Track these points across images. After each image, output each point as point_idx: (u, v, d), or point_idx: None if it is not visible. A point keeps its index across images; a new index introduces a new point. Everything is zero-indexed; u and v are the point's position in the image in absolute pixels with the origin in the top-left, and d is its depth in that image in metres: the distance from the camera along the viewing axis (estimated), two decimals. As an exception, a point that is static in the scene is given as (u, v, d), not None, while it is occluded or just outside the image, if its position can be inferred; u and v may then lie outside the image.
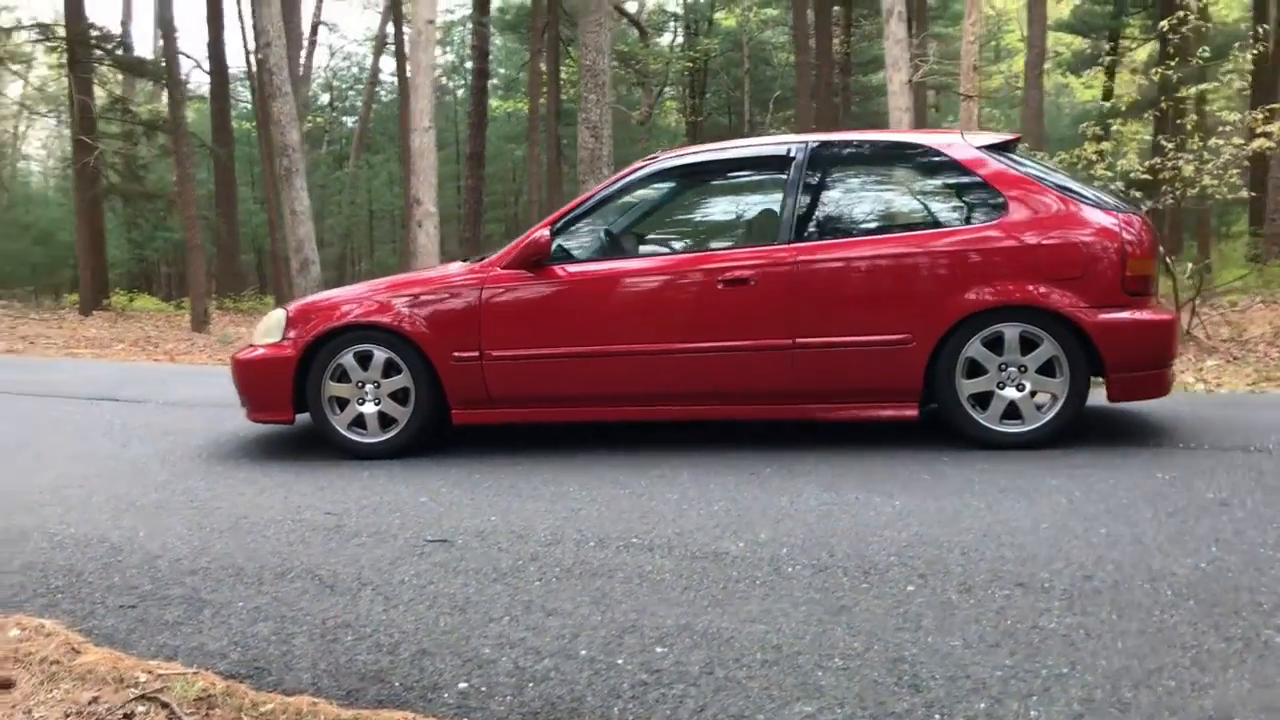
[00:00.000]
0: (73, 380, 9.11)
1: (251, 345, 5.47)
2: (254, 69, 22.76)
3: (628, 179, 5.26)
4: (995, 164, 4.87)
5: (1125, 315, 4.65)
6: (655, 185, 5.37)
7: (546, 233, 5.06)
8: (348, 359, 5.21)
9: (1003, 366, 4.75)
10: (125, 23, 35.13)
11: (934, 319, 4.73)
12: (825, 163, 5.07)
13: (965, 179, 4.93)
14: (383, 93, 37.34)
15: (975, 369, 4.77)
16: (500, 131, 34.26)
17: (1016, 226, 4.74)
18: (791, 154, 5.07)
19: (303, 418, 5.43)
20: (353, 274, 33.45)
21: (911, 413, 4.86)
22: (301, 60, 37.22)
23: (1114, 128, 10.29)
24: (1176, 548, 3.35)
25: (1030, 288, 4.67)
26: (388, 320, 5.16)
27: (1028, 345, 4.72)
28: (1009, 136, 5.30)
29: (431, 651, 2.89)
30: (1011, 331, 4.72)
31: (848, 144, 5.21)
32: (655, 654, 2.79)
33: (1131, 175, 10.34)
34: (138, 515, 4.38)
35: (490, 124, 34.29)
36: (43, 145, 45.52)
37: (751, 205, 5.22)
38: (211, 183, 27.26)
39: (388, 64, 38.21)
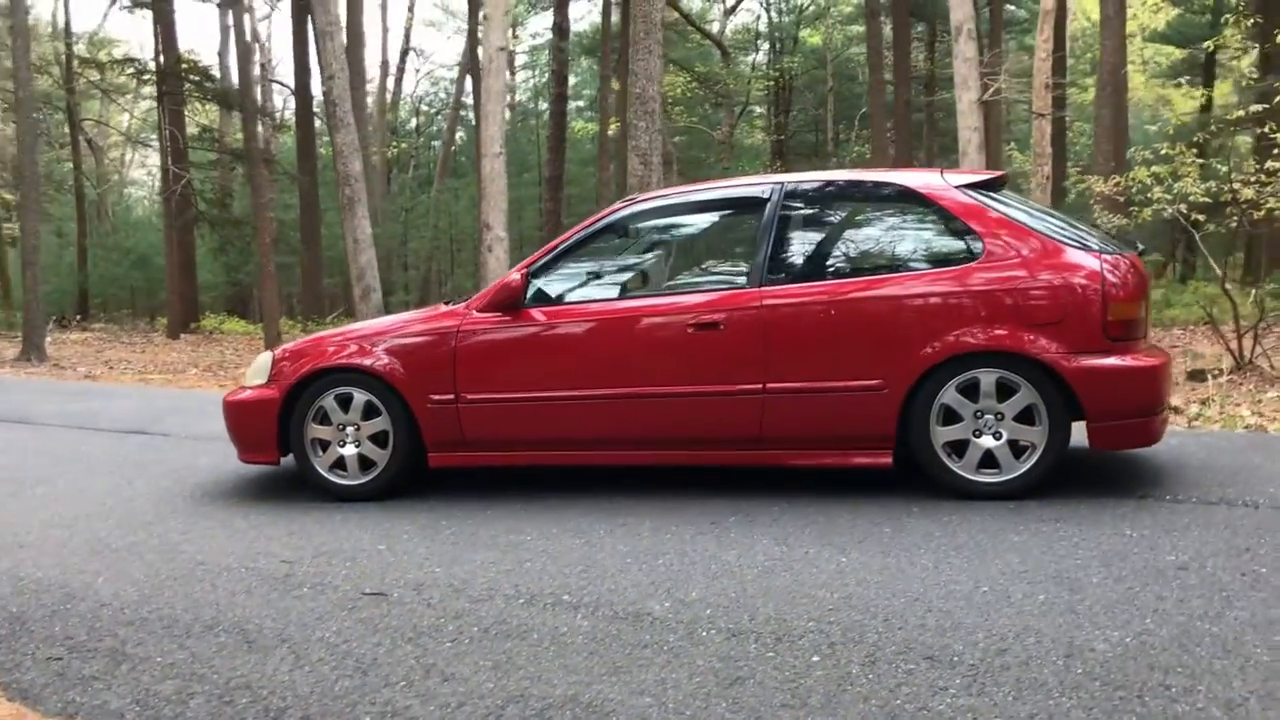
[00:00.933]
0: (118, 411, 9.34)
1: (242, 387, 5.54)
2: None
3: (604, 221, 5.21)
4: (974, 204, 4.70)
5: (1106, 361, 4.45)
6: (632, 227, 5.31)
7: (518, 276, 5.04)
8: (329, 401, 5.25)
9: (979, 414, 4.57)
10: (222, 54, 36.24)
11: (906, 365, 4.59)
12: (799, 204, 4.96)
13: (942, 220, 4.78)
14: (470, 117, 37.91)
15: (951, 416, 4.61)
16: (583, 154, 34.47)
17: (993, 269, 4.57)
18: (765, 195, 4.97)
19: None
20: (437, 296, 33.94)
21: (885, 461, 4.71)
22: (390, 86, 38.06)
23: (1163, 150, 9.91)
24: (1109, 618, 3.18)
25: (1006, 332, 4.50)
26: (367, 363, 5.18)
27: (1005, 392, 4.55)
28: (993, 174, 5.13)
29: (313, 718, 2.87)
30: (987, 378, 4.54)
31: (823, 184, 5.08)
32: (534, 728, 2.73)
33: (1191, 199, 9.95)
34: (107, 559, 4.44)
35: (573, 146, 34.60)
36: (148, 172, 47.07)
37: (725, 248, 5.13)
38: (299, 209, 27.86)
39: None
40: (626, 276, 5.27)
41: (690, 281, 5.13)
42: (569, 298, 5.14)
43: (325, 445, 5.28)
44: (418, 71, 36.86)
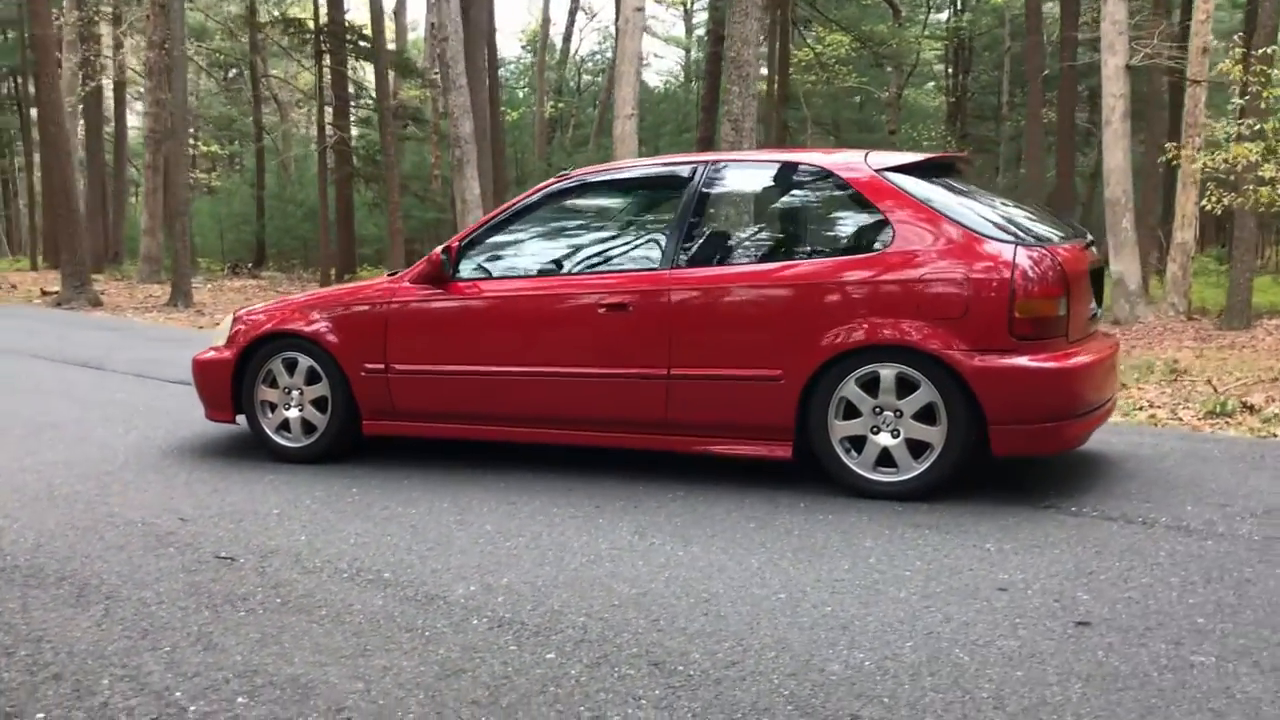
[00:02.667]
0: (183, 360, 9.79)
1: (211, 347, 5.76)
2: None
3: (535, 196, 5.18)
4: (890, 189, 4.47)
5: (1008, 361, 4.18)
6: (562, 203, 5.25)
7: (440, 249, 5.07)
8: (276, 365, 5.41)
9: (877, 410, 4.38)
10: (399, 14, 37.34)
11: (805, 355, 4.42)
12: (719, 184, 4.82)
13: (856, 204, 4.57)
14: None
15: (851, 410, 4.43)
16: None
17: (899, 258, 4.35)
18: (687, 174, 4.84)
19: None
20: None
21: (784, 453, 4.56)
22: (558, 45, 38.45)
23: (1253, 124, 9.17)
24: (875, 638, 3.02)
25: (905, 326, 4.28)
26: (309, 330, 5.31)
27: (907, 388, 4.33)
28: (931, 157, 4.85)
29: (63, 677, 2.98)
30: (887, 372, 4.34)
31: (745, 164, 4.94)
32: (235, 704, 2.78)
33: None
34: (39, 507, 4.69)
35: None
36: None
37: (645, 227, 5.02)
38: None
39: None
40: (553, 253, 5.22)
41: (609, 261, 5.04)
42: (495, 273, 5.14)
43: (273, 407, 5.45)
44: (581, 31, 37.14)
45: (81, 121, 28.14)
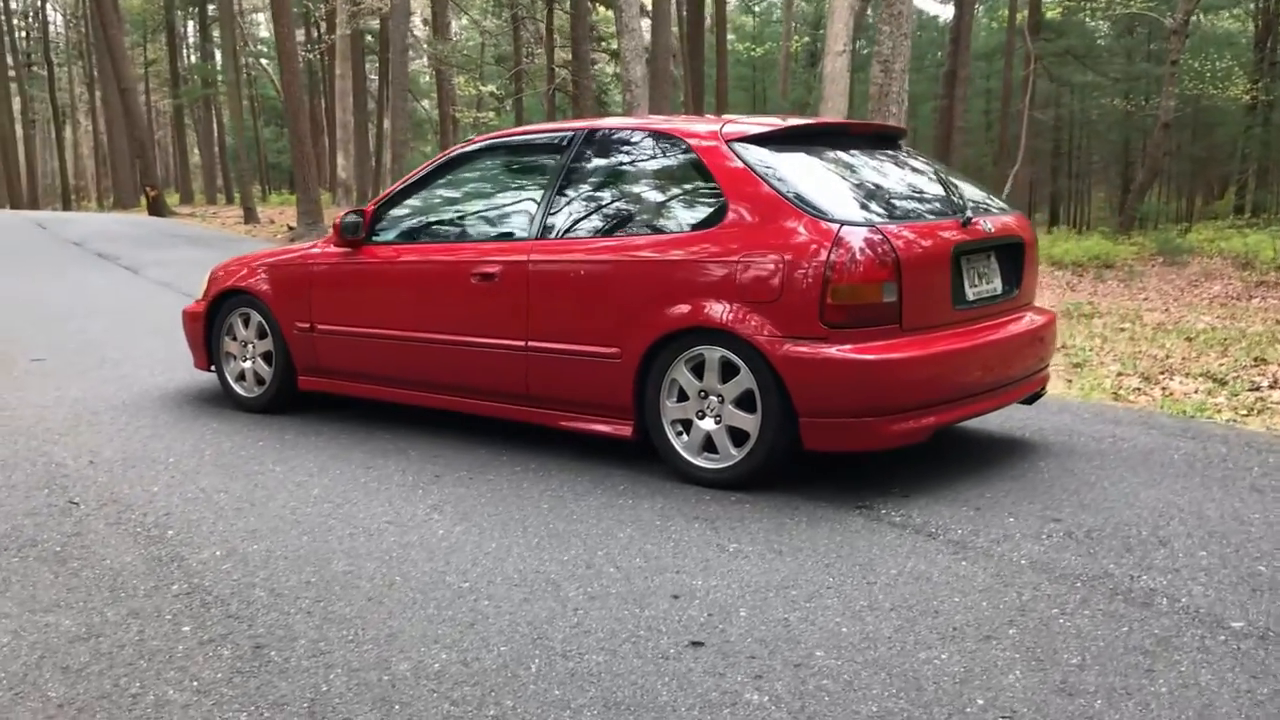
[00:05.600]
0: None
1: (195, 299, 6.17)
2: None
3: (441, 161, 5.21)
4: (733, 162, 4.21)
5: (816, 350, 3.90)
6: (465, 169, 5.23)
7: (345, 213, 5.22)
8: (235, 319, 5.75)
9: (703, 394, 4.20)
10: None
11: (639, 334, 4.29)
12: (590, 153, 4.69)
13: (701, 177, 4.34)
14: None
15: (684, 393, 4.27)
16: (984, 46, 32.19)
17: (727, 235, 4.12)
18: (564, 142, 4.75)
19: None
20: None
21: (626, 431, 4.45)
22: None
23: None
24: (465, 639, 2.97)
25: (725, 308, 4.06)
26: (257, 287, 5.60)
27: (732, 372, 4.13)
28: (803, 122, 4.51)
29: None
30: (712, 355, 4.15)
31: (614, 132, 4.74)
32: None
33: None
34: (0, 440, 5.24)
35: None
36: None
37: (526, 195, 4.92)
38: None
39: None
40: (449, 218, 5.24)
41: (493, 228, 5.00)
42: (399, 237, 5.23)
43: (234, 358, 5.80)
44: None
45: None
